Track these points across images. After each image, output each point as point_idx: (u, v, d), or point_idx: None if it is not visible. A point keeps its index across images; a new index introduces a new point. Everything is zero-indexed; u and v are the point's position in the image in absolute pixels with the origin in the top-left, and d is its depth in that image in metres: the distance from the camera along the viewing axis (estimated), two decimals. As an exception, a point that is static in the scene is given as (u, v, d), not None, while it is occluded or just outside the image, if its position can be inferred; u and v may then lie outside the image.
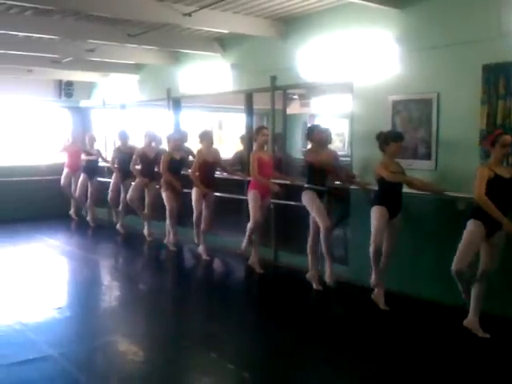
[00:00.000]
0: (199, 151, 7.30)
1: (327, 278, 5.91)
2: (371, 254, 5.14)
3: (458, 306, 4.74)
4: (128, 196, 8.55)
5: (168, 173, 7.64)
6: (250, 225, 6.53)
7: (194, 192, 7.24)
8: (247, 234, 6.58)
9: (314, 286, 5.98)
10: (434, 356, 4.23)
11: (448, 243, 4.66)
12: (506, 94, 4.74)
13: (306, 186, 5.94)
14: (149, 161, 8.45)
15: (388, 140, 5.15)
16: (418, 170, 5.43)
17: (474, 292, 4.56)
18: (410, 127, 5.56)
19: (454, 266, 4.34)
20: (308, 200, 5.87)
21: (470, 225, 4.38)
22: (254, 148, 6.67)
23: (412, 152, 5.52)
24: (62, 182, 10.26)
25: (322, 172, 5.91)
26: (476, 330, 4.54)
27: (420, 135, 5.49)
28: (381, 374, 4.04)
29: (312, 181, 5.90)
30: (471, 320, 4.59)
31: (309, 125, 11.55)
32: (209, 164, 7.22)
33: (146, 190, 8.53)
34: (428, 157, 5.42)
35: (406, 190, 5.26)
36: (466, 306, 4.61)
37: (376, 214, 5.15)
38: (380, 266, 5.24)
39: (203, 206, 7.29)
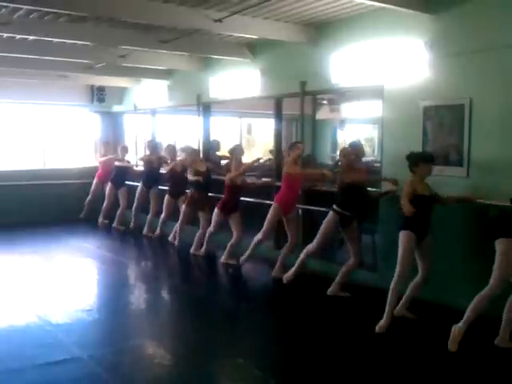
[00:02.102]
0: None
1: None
2: (393, 283, 4.91)
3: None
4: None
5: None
6: (258, 236, 6.63)
7: (214, 213, 7.34)
8: (252, 244, 6.68)
9: (342, 293, 5.94)
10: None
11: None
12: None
13: (334, 207, 5.84)
14: (178, 174, 8.52)
15: (418, 161, 4.94)
16: (449, 176, 5.34)
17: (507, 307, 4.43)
18: (441, 133, 5.48)
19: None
20: (325, 222, 5.89)
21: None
22: (289, 162, 6.53)
23: (443, 159, 5.44)
24: (91, 193, 10.41)
25: (356, 193, 5.78)
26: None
27: (451, 142, 5.40)
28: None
29: (341, 203, 5.80)
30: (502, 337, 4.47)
31: (339, 130, 11.57)
32: (236, 188, 7.26)
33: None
34: (459, 164, 5.33)
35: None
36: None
37: (402, 239, 4.94)
38: (415, 285, 5.12)
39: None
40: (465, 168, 5.29)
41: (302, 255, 6.14)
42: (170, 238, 8.61)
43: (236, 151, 7.36)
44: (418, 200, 4.83)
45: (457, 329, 4.37)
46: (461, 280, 5.25)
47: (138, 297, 6.44)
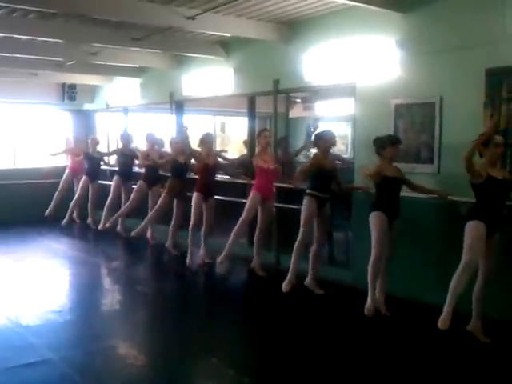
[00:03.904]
0: (199, 154, 7.27)
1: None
2: (371, 265, 5.07)
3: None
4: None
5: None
6: (236, 227, 6.57)
7: (194, 196, 7.23)
8: (231, 238, 6.60)
9: (314, 291, 5.96)
10: (432, 358, 4.22)
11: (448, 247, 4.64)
12: (509, 97, 4.72)
13: (307, 191, 5.89)
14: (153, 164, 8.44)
15: (385, 144, 5.12)
16: (421, 173, 5.41)
17: (475, 295, 4.55)
18: (413, 131, 5.54)
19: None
20: (304, 208, 5.85)
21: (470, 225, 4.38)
22: (257, 150, 6.68)
23: (414, 156, 5.51)
24: (61, 184, 10.23)
25: (327, 178, 5.86)
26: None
27: (423, 139, 5.47)
28: (380, 377, 4.02)
29: (315, 187, 5.83)
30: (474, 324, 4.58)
31: (312, 129, 11.60)
32: (209, 168, 7.21)
33: (149, 194, 8.53)
34: (430, 161, 5.40)
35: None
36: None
37: (375, 221, 5.10)
38: (380, 271, 5.22)
39: (204, 210, 7.29)
40: (436, 165, 5.37)
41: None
42: (149, 237, 8.56)
43: (206, 139, 7.33)
44: (386, 182, 5.01)
45: (444, 310, 4.38)
46: (432, 276, 5.32)
47: (110, 297, 6.38)
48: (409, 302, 5.40)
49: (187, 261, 7.33)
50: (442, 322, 4.29)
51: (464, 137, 4.71)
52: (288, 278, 5.90)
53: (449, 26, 5.22)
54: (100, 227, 8.99)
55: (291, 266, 5.89)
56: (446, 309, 4.33)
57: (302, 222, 5.82)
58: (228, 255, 6.64)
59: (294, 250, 5.89)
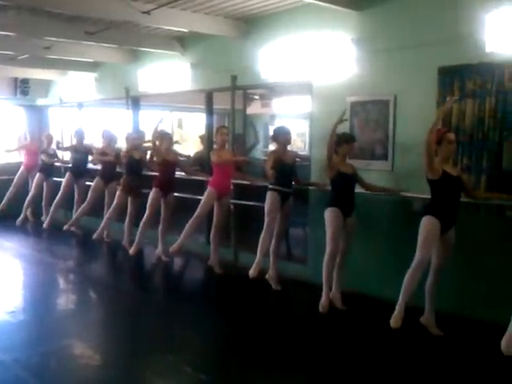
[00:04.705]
0: (158, 150, 7.22)
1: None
2: (326, 260, 5.13)
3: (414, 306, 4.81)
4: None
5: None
6: (191, 220, 6.51)
7: (152, 191, 7.17)
8: (185, 230, 6.53)
9: (273, 286, 6.00)
10: (384, 353, 4.30)
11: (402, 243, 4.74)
12: (460, 95, 4.84)
13: (270, 186, 5.88)
14: (109, 161, 8.32)
15: (340, 141, 5.19)
16: (375, 170, 5.50)
17: (428, 289, 4.67)
18: (368, 128, 5.62)
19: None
20: (267, 202, 5.86)
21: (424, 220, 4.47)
22: (215, 147, 6.67)
23: (369, 153, 5.59)
24: (15, 180, 9.96)
25: (288, 173, 5.88)
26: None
27: (377, 136, 5.56)
28: (335, 375, 4.08)
29: (276, 182, 5.81)
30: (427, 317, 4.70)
31: (270, 126, 11.65)
32: (169, 164, 7.16)
33: (106, 191, 8.40)
34: (385, 158, 5.49)
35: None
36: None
37: (330, 217, 5.16)
38: (336, 266, 5.29)
39: (162, 207, 7.25)
40: (390, 162, 5.46)
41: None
42: (105, 235, 8.42)
43: (166, 136, 7.30)
44: (340, 178, 5.09)
45: (396, 308, 4.44)
46: (387, 271, 5.42)
47: (65, 297, 6.26)
48: (365, 297, 5.48)
49: (130, 250, 7.37)
50: (394, 320, 4.38)
51: (417, 135, 4.80)
52: (255, 262, 5.82)
53: (403, 25, 5.31)
54: (65, 227, 8.77)
55: (258, 253, 5.85)
56: (398, 307, 4.41)
57: (266, 213, 5.83)
58: (180, 247, 6.57)
59: (260, 241, 5.85)
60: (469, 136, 4.80)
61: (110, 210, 7.96)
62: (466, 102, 4.82)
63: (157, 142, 7.14)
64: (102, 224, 8.02)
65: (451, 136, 4.50)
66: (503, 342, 3.98)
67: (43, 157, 9.71)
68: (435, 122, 4.43)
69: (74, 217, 8.72)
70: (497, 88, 4.65)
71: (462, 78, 4.84)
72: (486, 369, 4.04)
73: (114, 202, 7.84)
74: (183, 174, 7.47)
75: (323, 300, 5.16)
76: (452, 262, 4.66)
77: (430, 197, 4.56)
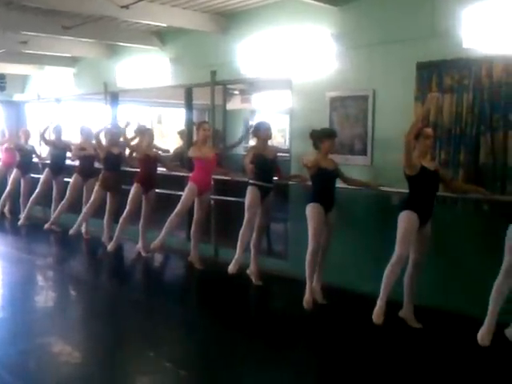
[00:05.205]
0: (139, 146, 7.18)
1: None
2: (309, 256, 5.14)
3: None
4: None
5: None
6: (172, 215, 6.46)
7: (134, 187, 7.13)
8: (166, 226, 6.47)
9: (254, 281, 6.01)
10: (366, 347, 4.34)
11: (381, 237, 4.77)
12: (438, 91, 4.88)
13: (250, 181, 5.88)
14: (88, 157, 8.24)
15: (322, 137, 5.20)
16: (355, 165, 5.53)
17: (406, 282, 4.71)
18: (347, 123, 5.65)
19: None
20: (247, 197, 5.86)
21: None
22: (195, 142, 6.63)
23: (349, 148, 5.62)
24: None
25: (268, 167, 5.87)
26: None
27: (357, 131, 5.59)
28: (318, 369, 4.11)
29: (257, 177, 5.81)
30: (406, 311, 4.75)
31: (250, 122, 11.63)
32: (150, 160, 7.12)
33: (84, 188, 8.33)
34: (364, 152, 5.53)
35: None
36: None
37: (311, 212, 5.17)
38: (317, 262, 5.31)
39: (143, 203, 7.21)
40: (369, 157, 5.50)
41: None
42: (84, 232, 8.36)
43: (147, 131, 7.29)
44: (322, 174, 5.09)
45: (378, 304, 4.47)
46: (367, 266, 5.46)
47: (44, 294, 6.18)
48: (346, 292, 5.52)
49: (108, 247, 7.34)
50: (376, 315, 4.40)
51: (396, 130, 4.84)
52: (235, 258, 5.83)
53: (382, 20, 5.34)
54: (46, 226, 8.66)
55: (237, 249, 5.85)
56: (379, 302, 4.44)
57: (246, 208, 5.83)
58: (161, 243, 6.53)
59: (240, 236, 5.84)
60: (447, 131, 4.85)
61: (87, 205, 7.90)
62: (444, 97, 4.87)
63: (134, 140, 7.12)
64: (79, 220, 7.95)
65: (429, 131, 4.55)
66: (479, 334, 4.05)
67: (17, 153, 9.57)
68: (414, 123, 4.45)
69: (53, 215, 8.61)
70: (474, 83, 4.70)
71: (439, 73, 4.88)
72: (462, 360, 4.10)
73: (92, 198, 7.78)
74: (164, 169, 7.44)
75: (307, 296, 5.16)
76: (430, 255, 4.72)
77: (408, 191, 4.61)
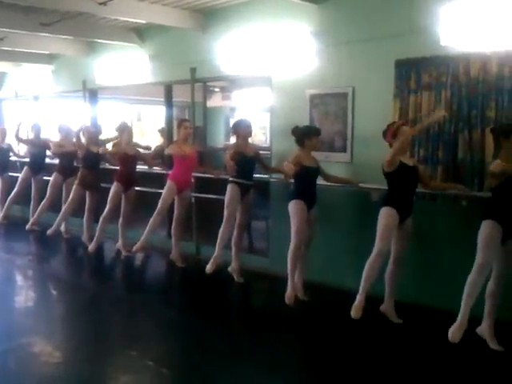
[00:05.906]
0: (117, 144, 7.14)
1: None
2: (291, 252, 5.13)
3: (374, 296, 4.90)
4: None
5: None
6: (154, 215, 6.44)
7: (114, 185, 7.08)
8: (149, 226, 6.46)
9: (236, 278, 6.01)
10: (346, 342, 4.38)
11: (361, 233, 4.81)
12: (417, 88, 4.93)
13: (230, 179, 5.88)
14: (67, 155, 8.16)
15: (310, 135, 5.20)
16: (335, 162, 5.57)
17: (387, 278, 4.77)
18: (327, 121, 5.68)
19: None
20: (227, 194, 5.86)
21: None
22: (175, 140, 6.61)
23: (329, 145, 5.65)
24: None
25: (249, 165, 5.88)
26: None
27: (336, 128, 5.62)
28: (299, 364, 4.13)
29: (237, 174, 5.78)
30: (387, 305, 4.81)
31: (231, 119, 11.62)
32: (129, 158, 7.08)
33: (63, 187, 8.24)
34: (344, 149, 5.56)
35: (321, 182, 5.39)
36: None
37: (294, 209, 5.17)
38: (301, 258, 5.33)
39: (123, 201, 7.17)
40: (348, 154, 5.53)
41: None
42: (63, 231, 8.27)
43: (126, 129, 7.22)
44: (305, 171, 5.11)
45: (357, 299, 4.48)
46: (348, 262, 5.50)
47: (23, 294, 6.11)
48: (327, 288, 5.56)
49: (89, 247, 7.28)
50: (355, 310, 4.42)
51: (375, 127, 4.88)
52: (213, 256, 5.82)
53: (361, 18, 5.37)
54: (27, 227, 8.54)
55: (216, 247, 5.84)
56: (358, 297, 4.45)
57: (225, 205, 5.81)
58: (144, 244, 6.51)
59: (219, 234, 5.84)
60: (425, 128, 4.89)
61: (66, 204, 7.83)
62: (422, 94, 4.91)
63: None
64: (58, 219, 7.87)
65: (405, 128, 4.58)
66: (450, 331, 4.08)
67: None
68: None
69: (34, 215, 8.51)
70: (452, 81, 4.76)
71: (418, 70, 4.93)
72: (438, 354, 4.15)
73: (70, 197, 7.71)
74: (145, 167, 7.40)
75: (289, 292, 5.14)
76: (410, 251, 4.77)
77: (387, 188, 4.65)
